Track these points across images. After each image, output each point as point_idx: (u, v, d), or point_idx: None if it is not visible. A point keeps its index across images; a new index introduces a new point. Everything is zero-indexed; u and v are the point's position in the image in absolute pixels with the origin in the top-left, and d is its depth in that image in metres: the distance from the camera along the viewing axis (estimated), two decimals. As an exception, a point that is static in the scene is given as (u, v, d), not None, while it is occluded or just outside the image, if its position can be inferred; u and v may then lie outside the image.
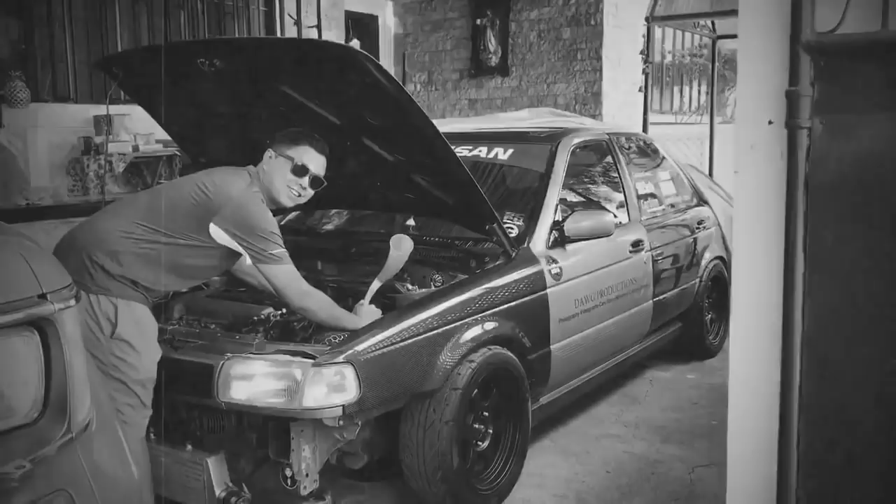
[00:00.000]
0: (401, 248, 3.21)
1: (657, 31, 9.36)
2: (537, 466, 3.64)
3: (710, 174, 8.67)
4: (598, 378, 4.16)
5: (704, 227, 5.13)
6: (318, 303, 2.93)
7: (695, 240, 4.97)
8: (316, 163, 2.94)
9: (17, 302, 1.63)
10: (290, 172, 2.90)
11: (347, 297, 3.24)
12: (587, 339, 3.86)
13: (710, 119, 9.82)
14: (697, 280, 5.00)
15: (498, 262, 3.45)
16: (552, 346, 3.61)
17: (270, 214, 2.87)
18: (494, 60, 9.30)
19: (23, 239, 1.85)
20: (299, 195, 2.94)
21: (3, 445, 1.60)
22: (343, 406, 2.69)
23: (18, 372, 1.67)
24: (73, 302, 1.76)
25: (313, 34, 8.10)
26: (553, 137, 4.22)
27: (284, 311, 3.17)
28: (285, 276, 2.85)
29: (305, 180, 2.92)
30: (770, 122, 2.06)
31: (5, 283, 1.65)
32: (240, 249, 2.83)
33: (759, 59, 2.06)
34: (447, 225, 3.76)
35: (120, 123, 6.55)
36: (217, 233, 2.79)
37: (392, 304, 3.20)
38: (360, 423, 2.82)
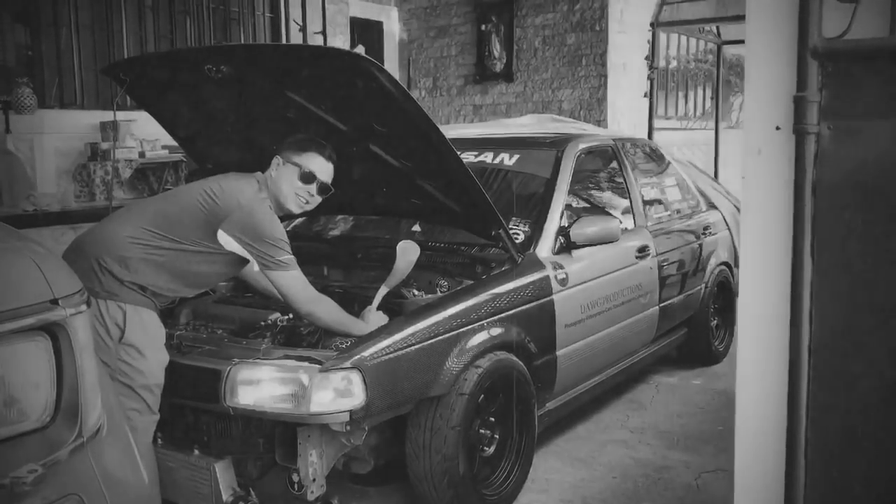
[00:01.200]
0: (407, 253, 3.22)
1: (662, 37, 9.35)
2: (543, 472, 3.64)
3: (716, 179, 8.65)
4: (603, 384, 4.16)
5: (710, 233, 5.13)
6: (325, 308, 2.94)
7: (700, 245, 4.97)
8: (323, 170, 2.96)
9: (29, 307, 1.64)
10: (298, 179, 2.91)
11: (354, 303, 3.25)
12: (593, 344, 3.86)
13: (716, 124, 9.80)
14: (703, 285, 5.00)
15: (504, 268, 3.46)
16: (558, 352, 3.61)
17: (278, 221, 2.89)
18: (499, 66, 9.31)
19: (34, 244, 1.85)
20: (307, 202, 2.96)
21: (16, 450, 1.61)
22: (350, 411, 2.70)
23: (30, 377, 1.68)
24: (84, 307, 1.76)
25: (318, 40, 8.12)
26: (559, 143, 4.23)
27: (291, 316, 3.18)
28: (293, 281, 2.87)
29: (313, 187, 2.94)
30: (778, 128, 2.06)
31: (17, 289, 1.65)
32: (247, 255, 2.85)
33: (766, 64, 2.07)
34: (453, 230, 3.76)
35: (126, 129, 6.57)
36: (225, 239, 2.80)
37: (399, 310, 3.21)
38: (366, 428, 2.82)
